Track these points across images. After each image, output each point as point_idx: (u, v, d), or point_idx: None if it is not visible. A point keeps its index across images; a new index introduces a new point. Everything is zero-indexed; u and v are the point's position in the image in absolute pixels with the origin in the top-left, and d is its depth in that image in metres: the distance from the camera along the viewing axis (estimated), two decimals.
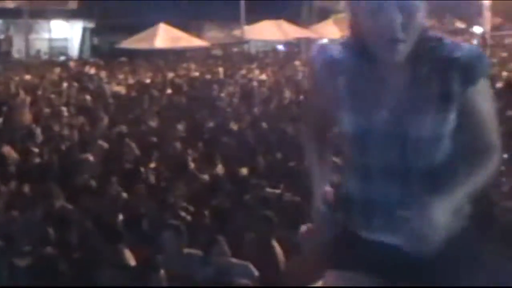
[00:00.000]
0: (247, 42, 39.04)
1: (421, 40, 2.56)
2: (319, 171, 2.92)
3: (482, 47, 33.46)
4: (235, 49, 39.71)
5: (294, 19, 38.51)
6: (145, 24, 33.49)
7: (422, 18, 2.52)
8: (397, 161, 2.63)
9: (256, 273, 6.88)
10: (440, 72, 2.56)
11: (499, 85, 18.76)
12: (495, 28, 39.38)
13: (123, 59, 32.17)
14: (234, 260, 7.02)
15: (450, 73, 2.54)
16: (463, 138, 2.65)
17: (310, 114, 3.05)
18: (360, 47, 2.61)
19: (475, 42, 36.90)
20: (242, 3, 36.56)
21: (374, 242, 2.74)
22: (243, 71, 26.82)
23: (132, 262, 7.19)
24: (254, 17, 36.47)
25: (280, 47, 39.98)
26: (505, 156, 10.48)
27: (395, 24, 2.45)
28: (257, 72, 26.53)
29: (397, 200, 2.63)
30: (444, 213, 2.45)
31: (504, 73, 23.77)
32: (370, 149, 2.66)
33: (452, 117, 2.58)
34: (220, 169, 10.54)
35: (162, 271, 6.80)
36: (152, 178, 10.15)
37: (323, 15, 41.99)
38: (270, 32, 36.79)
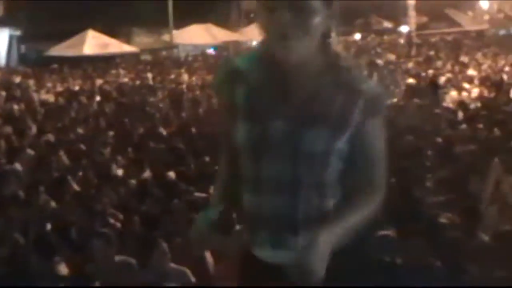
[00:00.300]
0: (176, 46, 38.99)
1: (330, 64, 2.65)
2: (221, 180, 2.93)
3: (408, 45, 34.17)
4: (164, 54, 39.67)
5: (223, 23, 38.64)
6: (73, 30, 33.22)
7: (322, 23, 2.58)
8: (288, 174, 2.64)
9: (193, 279, 6.92)
10: (344, 97, 2.63)
11: (424, 83, 19.12)
12: (421, 27, 40.06)
13: (52, 66, 31.86)
14: (172, 265, 7.04)
15: (353, 101, 2.62)
16: (353, 170, 2.71)
17: (223, 129, 3.01)
18: (264, 56, 2.67)
19: (401, 41, 37.65)
20: (170, 7, 36.50)
21: (261, 260, 2.74)
22: (172, 76, 26.82)
23: (65, 273, 7.15)
24: (182, 22, 36.46)
25: (210, 50, 40.06)
26: (429, 152, 10.79)
27: (284, 21, 2.52)
28: (186, 76, 26.57)
29: (285, 217, 2.65)
30: (328, 246, 2.48)
31: (430, 71, 24.23)
32: (262, 161, 2.66)
33: (344, 140, 2.63)
34: (148, 174, 10.54)
35: (96, 282, 6.80)
36: (80, 186, 10.09)
37: (252, 17, 42.19)
38: (199, 36, 36.85)
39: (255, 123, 2.67)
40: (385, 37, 45.53)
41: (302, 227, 2.65)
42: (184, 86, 23.18)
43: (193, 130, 14.16)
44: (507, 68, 24.78)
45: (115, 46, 33.91)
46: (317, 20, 2.57)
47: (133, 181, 10.15)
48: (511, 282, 5.97)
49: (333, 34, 2.68)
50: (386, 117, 2.73)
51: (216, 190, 2.95)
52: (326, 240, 2.48)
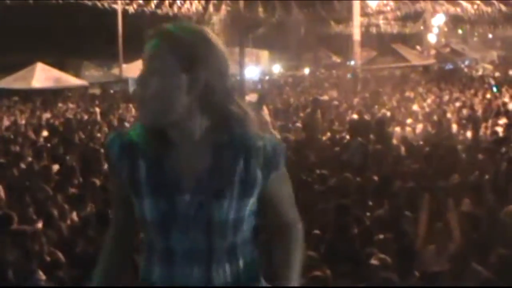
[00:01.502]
0: (125, 80, 38.93)
1: (223, 124, 2.59)
2: (105, 267, 2.84)
3: (354, 81, 34.58)
4: (114, 88, 39.58)
5: None
6: (22, 63, 33.00)
7: (178, 87, 2.51)
8: (201, 245, 2.61)
9: None
10: (243, 160, 2.60)
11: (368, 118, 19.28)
12: (369, 61, 40.54)
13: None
14: None
15: (254, 161, 2.61)
16: (269, 218, 2.82)
17: (113, 206, 2.92)
18: (151, 129, 2.61)
19: (349, 75, 38.05)
20: (120, 41, 36.49)
21: None
22: (120, 111, 26.78)
23: None
24: (132, 55, 36.43)
25: None
26: (370, 190, 10.89)
27: (135, 96, 2.59)
28: (134, 111, 26.55)
29: (203, 284, 2.63)
30: None
31: (375, 107, 24.45)
32: (171, 234, 2.61)
33: (253, 200, 2.65)
34: (90, 211, 10.51)
35: None
36: (20, 224, 9.99)
37: None
38: None
39: (160, 198, 2.60)
40: (334, 71, 46.17)
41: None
42: (131, 121, 23.13)
43: None
44: (451, 104, 25.18)
45: (64, 79, 33.73)
46: (169, 84, 2.52)
47: (75, 218, 10.11)
48: None
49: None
50: (328, 153, 2.77)
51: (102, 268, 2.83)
52: None
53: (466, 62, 55.72)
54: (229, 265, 2.66)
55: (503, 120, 20.01)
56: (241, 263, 2.69)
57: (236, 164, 2.61)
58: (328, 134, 18.72)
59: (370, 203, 10.41)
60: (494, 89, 31.26)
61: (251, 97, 21.59)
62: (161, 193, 2.60)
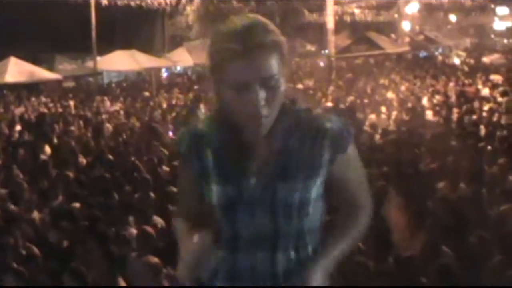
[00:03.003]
0: (100, 73, 38.74)
1: (289, 111, 2.64)
2: (188, 248, 2.74)
3: (328, 69, 34.64)
4: (89, 80, 39.39)
5: (147, 48, 38.56)
6: None
7: (284, 89, 2.56)
8: (267, 229, 2.64)
9: None
10: (310, 141, 2.63)
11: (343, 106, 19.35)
12: (344, 50, 40.56)
13: None
14: None
15: (320, 142, 2.63)
16: (336, 200, 2.80)
17: (182, 194, 3.04)
18: (225, 120, 2.64)
19: (322, 64, 38.10)
20: (94, 34, 36.29)
21: None
22: (95, 104, 26.66)
23: None
24: (106, 48, 36.27)
25: (134, 77, 39.94)
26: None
27: (258, 101, 2.48)
28: (108, 103, 26.46)
29: (268, 269, 2.67)
30: (323, 278, 2.63)
31: (350, 95, 24.54)
32: (239, 219, 2.66)
33: (320, 183, 2.67)
34: (59, 204, 10.51)
35: None
36: None
37: (176, 43, 42.28)
38: (123, 62, 36.58)
39: (228, 183, 2.67)
40: (308, 59, 46.21)
41: (282, 279, 2.68)
42: (105, 113, 23.08)
43: (111, 158, 14.11)
44: (424, 90, 25.30)
45: (38, 73, 33.44)
46: (283, 87, 2.56)
47: (47, 212, 10.11)
48: None
49: None
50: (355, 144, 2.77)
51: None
52: (321, 274, 2.63)
53: (440, 50, 55.95)
54: (295, 252, 2.69)
55: (476, 106, 20.17)
56: (308, 251, 2.72)
57: (302, 146, 2.64)
58: None
59: None
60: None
61: None
62: (228, 178, 2.67)
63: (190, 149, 2.78)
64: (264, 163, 2.63)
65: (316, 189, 2.66)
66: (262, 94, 2.47)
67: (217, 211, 2.71)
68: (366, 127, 16.80)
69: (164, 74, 42.45)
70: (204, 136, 2.74)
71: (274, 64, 2.49)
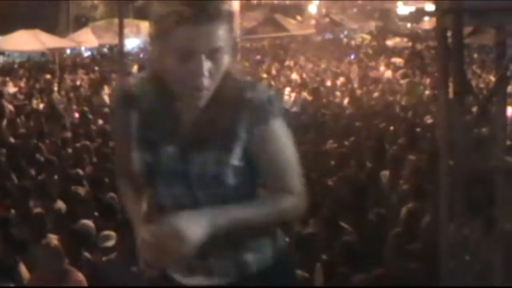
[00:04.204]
0: (1, 53, 37.87)
1: (221, 81, 2.50)
2: (133, 207, 2.76)
3: (233, 50, 34.73)
4: None
5: (51, 28, 37.87)
6: None
7: (229, 57, 2.46)
8: (187, 199, 2.56)
9: None
10: (228, 111, 2.50)
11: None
12: (250, 31, 40.65)
13: None
14: None
15: (238, 112, 2.49)
16: (261, 178, 2.60)
17: (116, 153, 2.92)
18: (160, 86, 2.55)
19: None
20: None
21: (180, 284, 2.70)
22: None
23: None
24: (8, 27, 35.45)
25: (38, 57, 39.20)
26: None
27: (202, 72, 2.39)
28: (10, 84, 25.91)
29: None
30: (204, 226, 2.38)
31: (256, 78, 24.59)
32: (159, 187, 2.60)
33: (239, 155, 2.52)
34: None
35: None
36: None
37: (81, 23, 41.65)
38: (26, 42, 35.75)
39: (147, 150, 2.59)
40: None
41: (210, 251, 2.56)
42: (6, 95, 22.58)
43: (12, 140, 13.87)
44: (328, 72, 25.64)
45: None
46: (228, 56, 2.46)
47: None
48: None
49: None
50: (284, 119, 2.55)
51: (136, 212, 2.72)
52: (201, 223, 2.38)
53: (345, 32, 56.60)
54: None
55: (379, 88, 20.56)
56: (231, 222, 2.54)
57: (220, 115, 2.52)
58: None
59: None
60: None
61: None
62: (148, 145, 2.59)
63: (121, 107, 2.69)
64: (184, 131, 2.55)
65: (234, 160, 2.52)
66: (207, 65, 2.38)
67: (140, 177, 2.65)
68: None
69: (68, 55, 41.81)
70: (135, 98, 2.63)
71: (223, 35, 2.40)
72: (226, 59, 2.44)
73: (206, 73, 2.39)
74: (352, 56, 32.83)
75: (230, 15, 2.43)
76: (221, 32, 2.39)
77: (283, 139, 2.55)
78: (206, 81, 2.41)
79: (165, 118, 2.58)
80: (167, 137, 2.57)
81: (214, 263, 2.63)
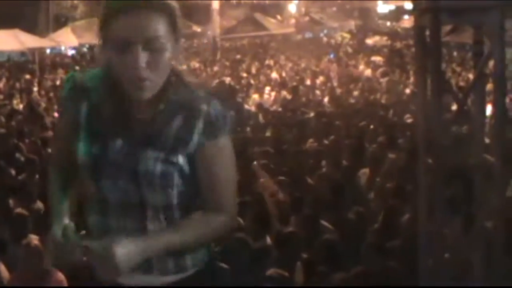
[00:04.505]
0: None
1: (172, 83, 2.56)
2: (57, 198, 2.83)
3: (213, 50, 34.72)
4: None
5: (31, 28, 37.67)
6: None
7: (174, 56, 2.51)
8: (133, 197, 2.59)
9: None
10: (182, 117, 2.55)
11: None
12: (229, 30, 40.69)
13: None
14: None
15: (192, 122, 2.54)
16: (200, 191, 2.65)
17: (56, 144, 2.97)
18: (109, 78, 2.57)
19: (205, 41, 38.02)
20: None
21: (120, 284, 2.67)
22: None
23: None
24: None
25: (18, 57, 38.99)
26: None
27: (139, 62, 2.41)
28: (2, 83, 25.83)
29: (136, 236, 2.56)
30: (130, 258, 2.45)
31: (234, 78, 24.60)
32: (103, 182, 2.61)
33: (184, 161, 2.58)
34: None
35: None
36: None
37: (60, 23, 41.45)
38: (5, 42, 35.60)
39: (94, 143, 2.62)
40: (195, 40, 46.15)
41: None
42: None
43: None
44: (308, 71, 25.67)
45: None
46: (170, 54, 2.50)
47: None
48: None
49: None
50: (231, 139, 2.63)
51: (57, 208, 2.79)
52: (131, 254, 2.44)
53: (325, 31, 56.71)
54: (165, 224, 2.62)
55: (359, 86, 20.61)
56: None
57: (172, 120, 2.57)
58: None
59: None
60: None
61: None
62: (96, 137, 2.60)
63: (70, 98, 2.70)
64: (134, 128, 2.58)
65: (182, 165, 2.59)
66: (143, 55, 2.42)
67: (84, 172, 2.66)
68: (249, 107, 16.93)
69: (48, 54, 41.61)
70: (86, 88, 2.65)
71: (160, 26, 2.43)
72: (167, 53, 2.47)
73: (143, 63, 2.42)
74: (332, 55, 32.96)
75: (169, 9, 2.47)
76: (158, 23, 2.44)
77: (227, 157, 2.64)
78: (144, 72, 2.43)
79: (114, 112, 2.60)
80: (116, 131, 2.60)
81: (153, 261, 2.65)
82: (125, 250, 2.42)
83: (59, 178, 2.86)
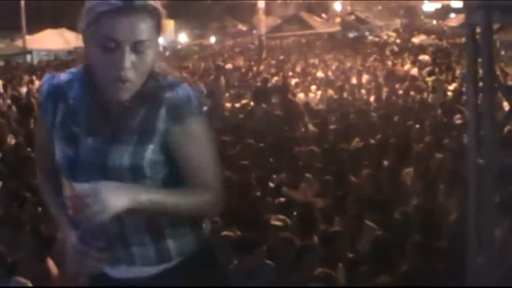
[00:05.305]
0: (30, 52, 38.12)
1: (147, 79, 2.59)
2: (55, 204, 2.87)
3: (259, 48, 34.71)
4: (18, 60, 38.69)
5: (77, 27, 38.01)
6: None
7: (154, 54, 2.55)
8: None
9: None
10: (147, 108, 2.59)
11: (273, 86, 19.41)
12: (275, 29, 40.69)
13: None
14: None
15: (155, 110, 2.58)
16: (182, 178, 2.68)
17: (38, 149, 2.95)
18: (87, 77, 2.62)
19: (250, 44, 38.18)
20: (23, 12, 35.72)
21: (105, 275, 2.76)
22: (24, 83, 26.24)
23: None
24: (36, 27, 35.70)
25: (65, 56, 39.39)
26: (272, 154, 11.00)
27: (125, 63, 2.46)
28: (37, 83, 26.04)
29: (116, 233, 2.65)
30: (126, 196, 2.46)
31: (280, 74, 24.61)
32: (78, 179, 2.63)
33: (153, 151, 2.61)
34: None
35: None
36: None
37: None
38: (52, 41, 36.13)
39: (68, 143, 2.65)
40: (240, 39, 46.22)
41: (133, 241, 2.68)
42: (35, 93, 22.71)
43: None
44: (354, 70, 25.53)
45: None
46: (154, 56, 2.55)
47: None
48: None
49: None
50: (205, 118, 2.67)
51: (60, 215, 2.83)
52: (130, 193, 2.48)
53: (371, 30, 56.46)
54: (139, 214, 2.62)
55: (405, 85, 20.44)
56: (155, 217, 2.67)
57: (136, 112, 2.60)
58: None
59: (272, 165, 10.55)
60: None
61: None
62: (70, 137, 2.63)
63: (47, 98, 2.73)
64: (103, 124, 2.61)
65: (150, 156, 2.61)
66: (130, 57, 2.46)
67: (60, 168, 2.70)
68: (295, 105, 16.86)
69: None
70: (62, 89, 2.69)
71: (148, 29, 2.48)
72: (151, 55, 2.52)
73: (129, 64, 2.46)
74: (377, 54, 32.70)
75: (156, 12, 2.52)
76: (146, 26, 2.48)
77: (202, 137, 2.67)
78: (129, 73, 2.48)
79: (89, 111, 2.63)
80: (89, 129, 2.63)
81: (136, 251, 2.70)
82: (112, 187, 2.45)
83: (51, 184, 2.89)
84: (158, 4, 2.53)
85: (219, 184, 2.73)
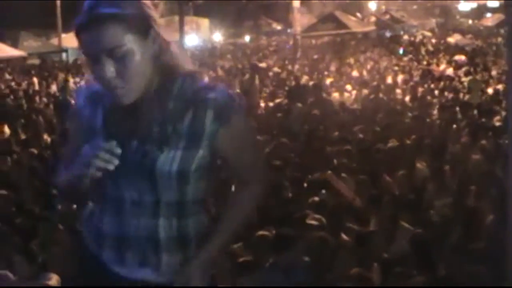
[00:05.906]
0: (65, 50, 38.41)
1: (173, 79, 2.63)
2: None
3: (294, 48, 34.67)
4: (54, 58, 39.02)
5: None
6: None
7: (146, 53, 2.57)
8: (147, 195, 2.67)
9: None
10: (192, 112, 2.61)
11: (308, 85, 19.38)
12: (309, 28, 40.57)
13: None
14: None
15: (202, 113, 2.60)
16: (231, 175, 2.85)
17: (69, 148, 2.94)
18: None
19: (290, 43, 38.18)
20: (59, 11, 36.00)
21: (126, 278, 2.79)
22: (59, 81, 26.44)
23: None
24: (71, 25, 35.84)
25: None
26: (305, 153, 10.99)
27: (105, 71, 2.52)
28: (72, 81, 26.22)
29: (151, 236, 2.71)
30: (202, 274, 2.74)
31: (315, 73, 24.55)
32: (121, 182, 2.67)
33: (203, 155, 2.66)
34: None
35: None
36: None
37: None
38: None
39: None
40: (274, 38, 46.20)
41: (163, 246, 2.71)
42: (71, 91, 22.89)
43: None
44: (389, 69, 25.44)
45: (1, 50, 33.06)
46: (140, 57, 2.56)
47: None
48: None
49: (172, 44, 2.70)
50: (248, 116, 2.72)
51: None
52: (202, 262, 2.74)
53: (406, 29, 56.15)
54: (177, 220, 2.72)
55: (441, 85, 20.33)
56: (190, 221, 2.75)
57: (183, 115, 2.62)
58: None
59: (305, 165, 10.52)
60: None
61: None
62: (112, 139, 2.62)
63: (84, 105, 2.80)
64: (148, 128, 2.64)
65: (198, 161, 2.66)
66: (109, 66, 2.51)
67: (101, 178, 2.67)
68: (330, 104, 16.85)
69: None
70: (99, 94, 2.72)
71: (117, 35, 2.49)
72: (137, 57, 2.53)
73: (110, 73, 2.52)
74: (413, 54, 32.54)
75: (120, 16, 2.51)
76: (118, 31, 2.50)
77: (247, 135, 2.81)
78: (115, 81, 2.54)
79: (128, 115, 2.65)
80: (132, 133, 2.66)
81: (164, 258, 2.74)
82: (197, 277, 2.73)
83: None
84: (124, 8, 2.53)
85: (265, 174, 3.00)
